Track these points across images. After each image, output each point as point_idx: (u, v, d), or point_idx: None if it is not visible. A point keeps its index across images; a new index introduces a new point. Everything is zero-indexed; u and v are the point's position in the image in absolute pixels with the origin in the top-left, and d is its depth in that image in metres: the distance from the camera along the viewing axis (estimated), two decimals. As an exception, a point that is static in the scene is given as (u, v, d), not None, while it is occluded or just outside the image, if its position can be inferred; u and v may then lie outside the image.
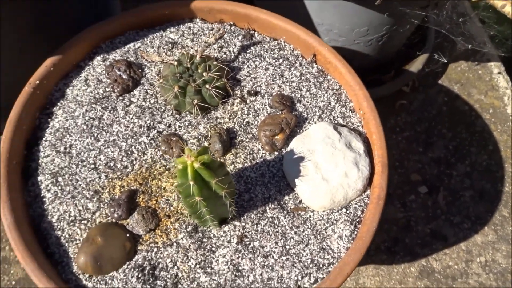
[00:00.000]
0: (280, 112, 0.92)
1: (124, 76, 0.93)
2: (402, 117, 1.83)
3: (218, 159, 0.67)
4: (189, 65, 0.91)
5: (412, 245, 1.41)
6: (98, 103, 0.91)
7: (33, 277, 0.72)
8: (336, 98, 0.95)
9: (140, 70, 0.96)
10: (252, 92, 0.94)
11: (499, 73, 1.91)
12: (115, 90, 0.92)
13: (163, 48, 1.00)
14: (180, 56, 0.92)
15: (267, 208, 0.82)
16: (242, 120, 0.91)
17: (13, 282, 1.50)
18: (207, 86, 0.89)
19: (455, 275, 1.38)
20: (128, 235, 0.78)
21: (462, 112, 1.82)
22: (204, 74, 0.89)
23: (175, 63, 0.90)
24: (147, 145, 0.87)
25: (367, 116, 0.91)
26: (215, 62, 0.92)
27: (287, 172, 0.85)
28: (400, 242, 1.39)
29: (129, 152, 0.86)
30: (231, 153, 0.88)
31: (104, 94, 0.93)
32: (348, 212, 0.83)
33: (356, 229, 0.81)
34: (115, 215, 0.79)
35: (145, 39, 1.01)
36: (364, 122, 0.92)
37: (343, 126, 0.92)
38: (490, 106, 1.84)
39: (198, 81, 0.89)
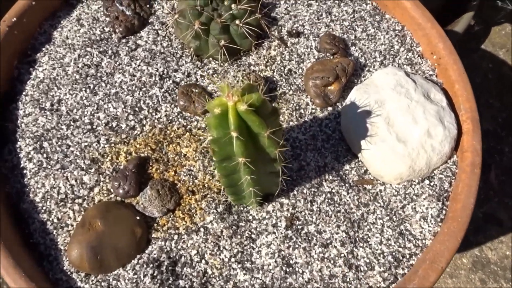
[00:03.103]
0: (332, 56, 0.71)
1: (127, 13, 0.72)
2: (443, 84, 1.60)
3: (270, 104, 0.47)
4: (212, -4, 0.69)
5: (465, 230, 1.21)
6: (95, 46, 0.70)
7: (6, 278, 0.51)
8: (399, 41, 0.74)
9: (148, 6, 0.74)
10: (294, 32, 0.73)
11: (550, 35, 1.69)
12: (117, 31, 0.71)
13: (177, -20, 0.78)
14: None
15: (323, 180, 0.61)
16: (282, 68, 0.70)
17: None
18: (237, 22, 0.67)
19: (515, 265, 1.18)
20: (138, 217, 0.57)
21: (511, 80, 1.60)
22: (233, 6, 0.68)
23: (194, -7, 0.69)
24: (160, 99, 0.66)
25: (445, 60, 0.70)
26: (246, -8, 0.70)
27: (347, 132, 0.64)
28: (453, 226, 1.20)
29: (136, 109, 0.65)
30: (271, 109, 0.66)
31: (103, 35, 0.71)
32: (432, 184, 0.62)
33: (444, 207, 0.60)
34: (120, 190, 0.58)
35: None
36: (439, 69, 0.71)
37: (414, 74, 0.70)
38: (541, 72, 1.62)
39: (224, 16, 0.67)
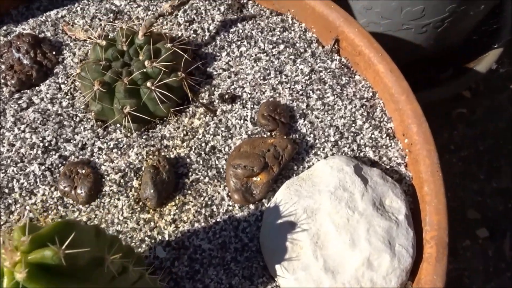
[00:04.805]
0: (269, 133, 0.55)
1: (25, 61, 0.58)
2: (459, 130, 1.43)
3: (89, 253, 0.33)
4: (125, 48, 0.55)
5: (467, 311, 1.05)
6: (-24, 103, 0.57)
7: None
8: (366, 114, 0.57)
9: (54, 53, 0.61)
10: (228, 96, 0.58)
11: None
12: (9, 83, 0.58)
13: (100, 19, 0.64)
14: (115, 33, 0.57)
15: (223, 311, 0.46)
16: (203, 144, 0.55)
17: None
18: (149, 83, 0.53)
19: None
20: None
21: (540, 127, 1.38)
22: (146, 63, 0.53)
23: (103, 43, 0.55)
24: (38, 180, 0.53)
25: (417, 149, 0.53)
26: (168, 45, 0.56)
27: (265, 245, 0.48)
28: (450, 307, 1.02)
29: (6, 190, 0.52)
30: (173, 204, 0.52)
31: (-10, 88, 0.59)
32: (368, 332, 0.45)
33: None
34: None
35: (77, 4, 0.65)
36: (410, 158, 0.54)
37: (372, 164, 0.54)
38: None
39: (134, 74, 0.53)
